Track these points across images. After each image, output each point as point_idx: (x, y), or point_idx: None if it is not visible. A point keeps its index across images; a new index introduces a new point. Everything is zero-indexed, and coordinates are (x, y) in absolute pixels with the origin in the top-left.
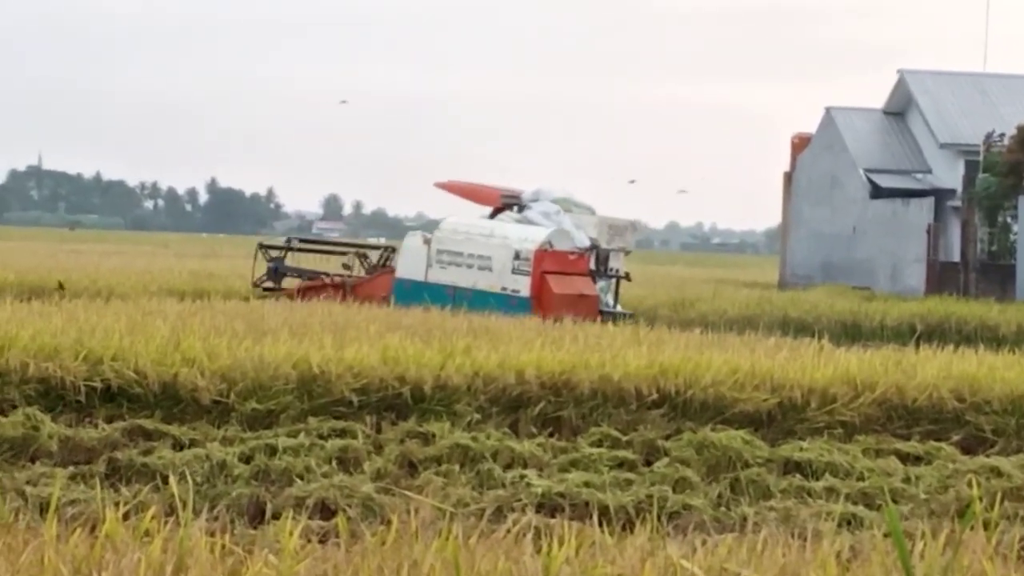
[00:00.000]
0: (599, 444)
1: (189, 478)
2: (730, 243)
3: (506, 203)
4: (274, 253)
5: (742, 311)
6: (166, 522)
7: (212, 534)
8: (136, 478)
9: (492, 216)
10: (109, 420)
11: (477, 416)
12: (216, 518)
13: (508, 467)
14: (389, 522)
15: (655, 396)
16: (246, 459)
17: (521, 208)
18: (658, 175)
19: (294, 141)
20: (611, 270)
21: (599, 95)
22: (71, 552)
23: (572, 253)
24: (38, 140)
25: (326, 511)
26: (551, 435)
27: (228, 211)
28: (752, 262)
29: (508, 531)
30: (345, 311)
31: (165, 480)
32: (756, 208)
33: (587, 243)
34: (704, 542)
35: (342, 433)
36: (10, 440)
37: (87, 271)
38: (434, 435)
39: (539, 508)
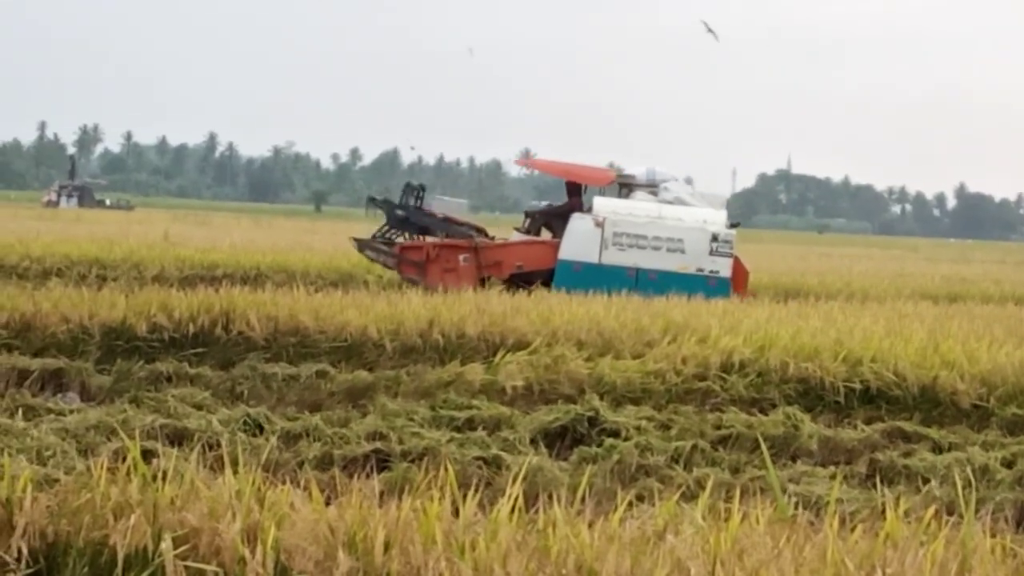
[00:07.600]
0: None
1: (964, 479)
2: None
3: (621, 183)
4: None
5: None
6: (944, 523)
7: (993, 535)
8: (896, 480)
9: (572, 195)
10: (868, 421)
11: None
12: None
13: None
14: None
15: None
16: (1008, 464)
17: (630, 188)
18: None
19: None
20: None
21: None
22: (851, 548)
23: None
24: (787, 144)
25: None
26: None
27: (975, 216)
28: None
29: None
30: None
31: (926, 482)
32: None
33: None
34: None
35: None
36: (771, 438)
37: (839, 273)
38: None
39: None
